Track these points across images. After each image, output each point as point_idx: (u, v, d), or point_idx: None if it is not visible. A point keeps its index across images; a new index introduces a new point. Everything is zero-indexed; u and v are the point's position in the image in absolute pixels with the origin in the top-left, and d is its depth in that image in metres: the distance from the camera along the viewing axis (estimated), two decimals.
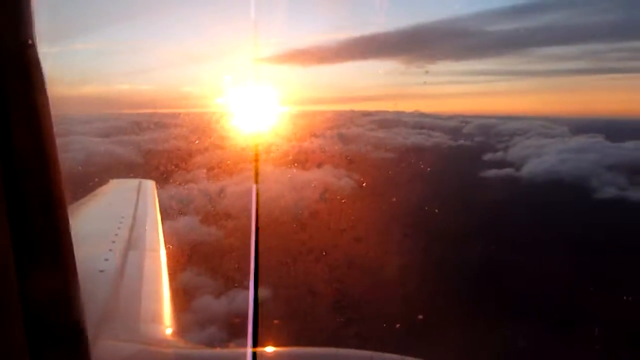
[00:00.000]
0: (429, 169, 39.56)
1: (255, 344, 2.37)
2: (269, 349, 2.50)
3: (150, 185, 6.73)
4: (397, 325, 13.85)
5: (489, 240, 23.30)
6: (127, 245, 4.05)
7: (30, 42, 1.11)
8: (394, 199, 28.80)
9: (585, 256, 22.30)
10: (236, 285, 17.49)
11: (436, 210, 26.09)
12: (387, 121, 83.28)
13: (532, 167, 40.28)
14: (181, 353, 2.77)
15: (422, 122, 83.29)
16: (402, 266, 17.43)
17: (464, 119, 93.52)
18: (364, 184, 33.39)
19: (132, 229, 4.53)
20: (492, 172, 39.89)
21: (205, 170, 33.66)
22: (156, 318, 3.14)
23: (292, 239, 20.80)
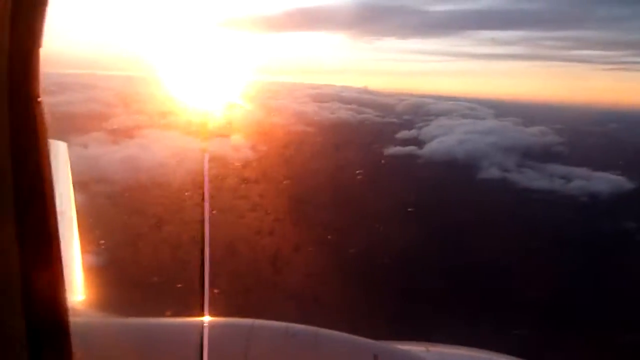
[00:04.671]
0: (336, 144, 40.76)
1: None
2: (201, 319, 2.44)
3: (61, 146, 6.31)
4: None
5: (350, 210, 24.78)
6: None
7: (39, 48, 1.16)
8: (281, 174, 29.78)
9: (440, 227, 23.93)
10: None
11: (314, 186, 27.26)
12: (325, 95, 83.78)
13: (434, 146, 42.10)
14: (94, 323, 2.59)
15: (360, 98, 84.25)
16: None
17: (403, 97, 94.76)
18: (261, 156, 34.21)
19: None
20: (395, 150, 41.50)
21: (102, 134, 33.67)
22: (66, 285, 3.10)
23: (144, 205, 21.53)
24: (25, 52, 1.15)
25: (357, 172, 31.59)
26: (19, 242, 1.12)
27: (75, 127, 35.08)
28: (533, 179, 34.86)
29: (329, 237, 21.55)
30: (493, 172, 35.92)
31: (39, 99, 1.18)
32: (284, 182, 28.33)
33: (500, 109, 73.39)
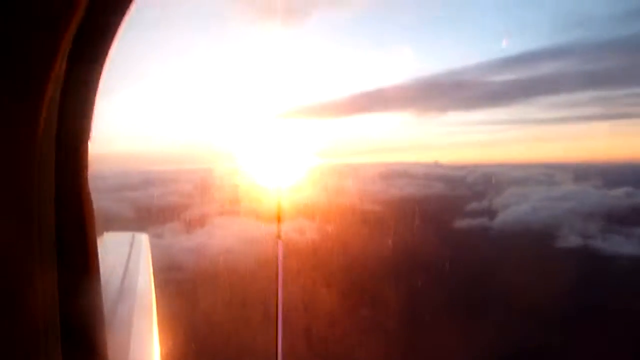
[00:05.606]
0: (402, 221, 40.17)
1: None
2: None
3: (143, 238, 6.35)
4: None
5: (422, 294, 23.92)
6: (117, 297, 3.94)
7: (88, 140, 1.27)
8: (346, 255, 29.71)
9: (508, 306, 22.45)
10: None
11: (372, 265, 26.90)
12: (393, 172, 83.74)
13: (505, 216, 40.31)
14: None
15: (429, 173, 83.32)
16: None
17: (474, 168, 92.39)
18: (326, 238, 34.42)
19: (123, 281, 4.40)
20: (464, 222, 40.17)
21: (177, 224, 35.78)
22: None
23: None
24: (74, 145, 1.23)
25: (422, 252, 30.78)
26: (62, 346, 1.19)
27: (153, 219, 37.76)
28: (620, 244, 32.07)
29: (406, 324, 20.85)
30: (573, 240, 33.51)
31: (88, 192, 1.30)
32: (349, 264, 28.17)
33: (580, 172, 69.31)
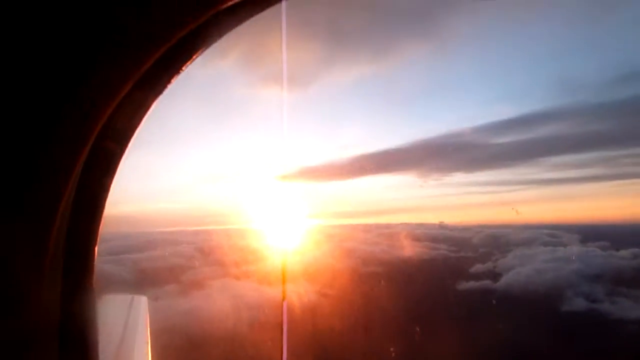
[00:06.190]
0: (405, 284, 39.40)
1: None
2: None
3: (142, 300, 7.59)
4: None
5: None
6: None
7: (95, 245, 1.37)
8: (345, 319, 28.91)
9: None
10: None
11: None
12: (397, 234, 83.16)
13: (510, 278, 39.48)
14: None
15: (434, 234, 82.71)
16: None
17: (479, 230, 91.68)
18: (325, 302, 33.65)
19: (120, 345, 4.24)
20: (468, 285, 39.33)
21: (175, 287, 35.27)
22: None
23: None
24: (82, 249, 1.34)
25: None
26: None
27: (152, 281, 37.40)
28: (628, 308, 31.03)
29: None
30: (579, 303, 32.52)
31: (92, 291, 1.38)
32: (348, 329, 27.37)
33: (586, 233, 68.65)
